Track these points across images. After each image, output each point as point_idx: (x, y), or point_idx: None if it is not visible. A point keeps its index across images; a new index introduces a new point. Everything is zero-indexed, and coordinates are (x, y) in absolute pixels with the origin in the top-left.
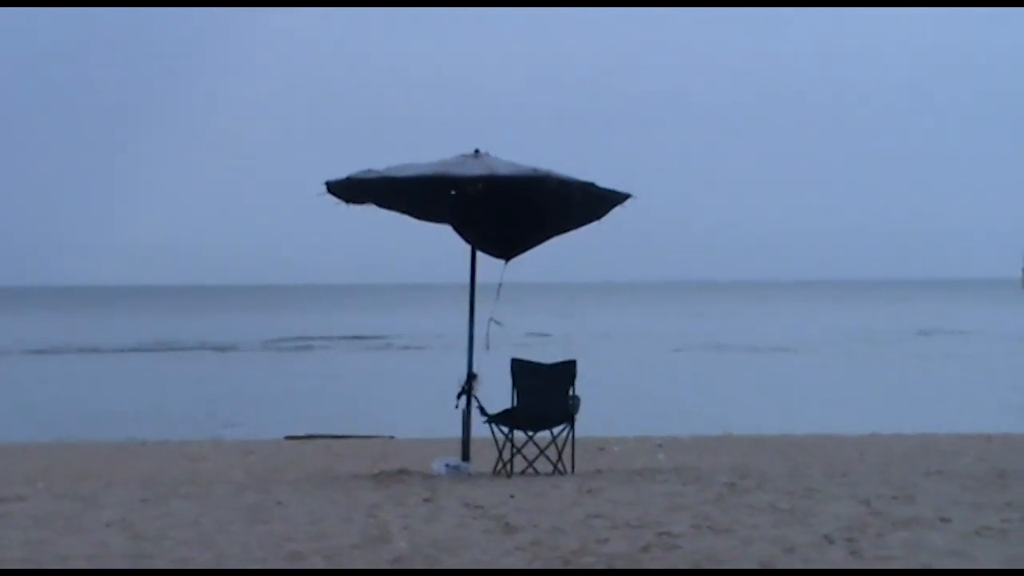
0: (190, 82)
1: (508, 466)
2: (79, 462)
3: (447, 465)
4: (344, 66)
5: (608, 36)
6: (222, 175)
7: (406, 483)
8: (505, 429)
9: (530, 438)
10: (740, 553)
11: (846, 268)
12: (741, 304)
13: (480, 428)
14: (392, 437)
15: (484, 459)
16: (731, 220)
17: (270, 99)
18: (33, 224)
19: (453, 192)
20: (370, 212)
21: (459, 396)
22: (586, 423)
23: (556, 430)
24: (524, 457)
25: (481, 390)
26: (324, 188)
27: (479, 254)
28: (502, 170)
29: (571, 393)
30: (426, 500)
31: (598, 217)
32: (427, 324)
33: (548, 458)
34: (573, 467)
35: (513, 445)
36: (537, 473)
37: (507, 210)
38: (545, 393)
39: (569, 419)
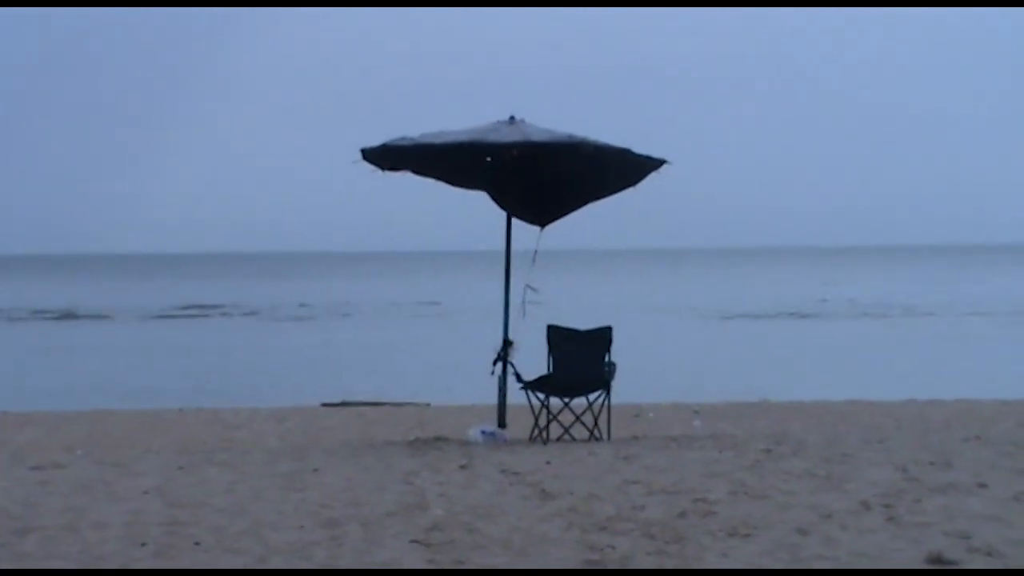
0: (224, 51)
1: (544, 433)
2: (116, 430)
3: (483, 432)
4: (380, 35)
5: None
6: (259, 145)
7: (442, 450)
8: (541, 396)
9: (566, 404)
10: (776, 519)
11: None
12: (784, 269)
13: (516, 395)
14: (428, 404)
15: (520, 426)
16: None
17: (306, 65)
18: (80, 195)
19: (489, 159)
20: (406, 179)
21: (495, 363)
22: (622, 389)
23: (592, 396)
24: (560, 424)
25: (517, 357)
26: (359, 155)
27: (515, 221)
28: (537, 136)
29: (607, 359)
30: (462, 467)
31: (633, 183)
32: (463, 291)
33: (584, 424)
34: (609, 434)
35: (549, 412)
36: (573, 440)
37: (542, 176)
38: (581, 359)
39: (605, 385)
